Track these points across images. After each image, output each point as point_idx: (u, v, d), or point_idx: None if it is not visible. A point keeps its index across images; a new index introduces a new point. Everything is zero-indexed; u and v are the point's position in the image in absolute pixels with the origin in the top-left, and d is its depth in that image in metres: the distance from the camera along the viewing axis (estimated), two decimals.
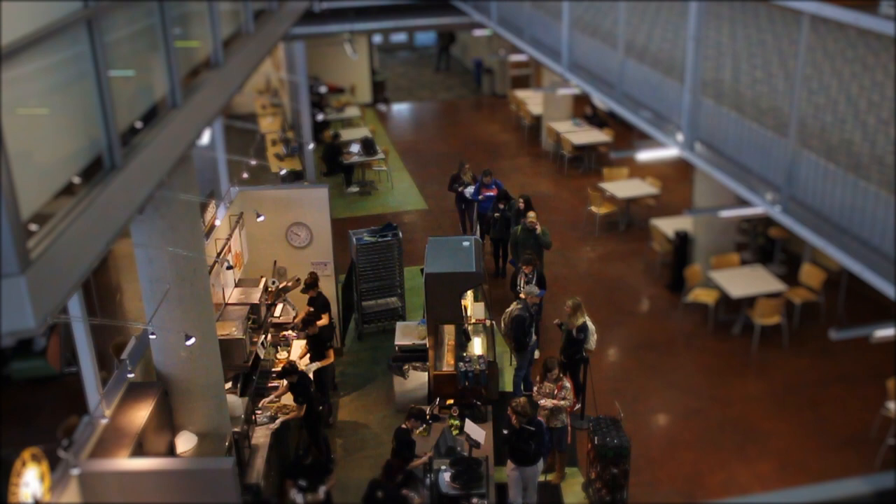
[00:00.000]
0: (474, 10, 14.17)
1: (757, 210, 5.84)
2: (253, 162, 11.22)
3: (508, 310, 10.36)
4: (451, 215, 15.72)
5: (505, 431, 8.24)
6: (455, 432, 8.85)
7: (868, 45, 4.49)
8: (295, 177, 15.58)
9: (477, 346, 10.19)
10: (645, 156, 8.92)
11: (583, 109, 19.31)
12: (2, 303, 3.15)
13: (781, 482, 9.07)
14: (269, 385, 9.59)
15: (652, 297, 13.22)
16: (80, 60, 4.02)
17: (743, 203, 6.38)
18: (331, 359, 10.19)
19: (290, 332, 10.50)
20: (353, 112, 21.49)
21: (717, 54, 6.08)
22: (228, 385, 8.51)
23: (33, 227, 3.39)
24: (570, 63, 9.23)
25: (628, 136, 17.86)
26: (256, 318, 9.58)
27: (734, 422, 10.19)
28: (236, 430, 8.16)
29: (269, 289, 10.51)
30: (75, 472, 6.07)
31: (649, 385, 10.99)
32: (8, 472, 5.16)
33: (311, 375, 9.58)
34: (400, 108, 24.68)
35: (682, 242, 12.88)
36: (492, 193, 13.75)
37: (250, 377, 9.15)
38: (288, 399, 9.32)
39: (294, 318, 10.69)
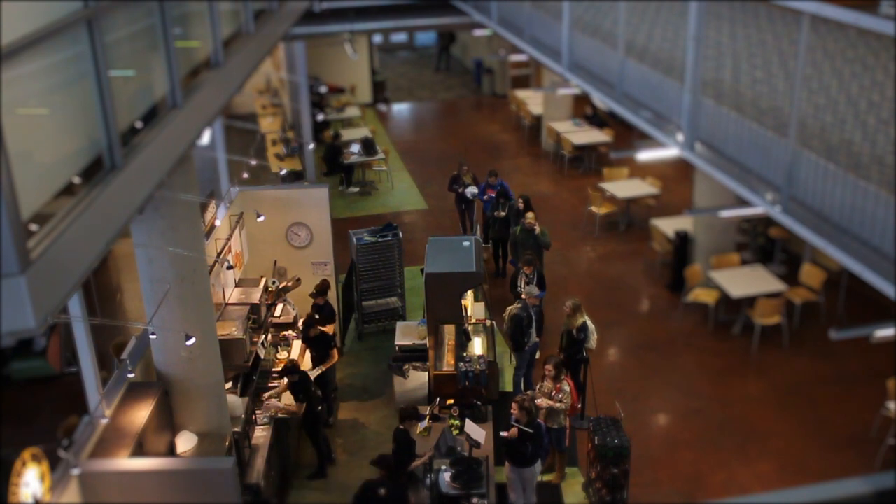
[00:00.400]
0: (474, 10, 14.17)
1: (757, 210, 5.84)
2: (253, 162, 11.23)
3: (509, 309, 10.37)
4: (451, 215, 15.71)
5: (503, 434, 8.23)
6: (455, 432, 8.85)
7: (868, 45, 4.49)
8: (295, 177, 15.58)
9: (477, 346, 10.19)
10: (645, 156, 8.91)
11: (583, 109, 19.30)
12: (2, 303, 3.15)
13: (781, 482, 9.06)
14: (270, 385, 9.60)
15: (652, 297, 13.22)
16: (80, 60, 4.02)
17: (743, 203, 6.38)
18: (334, 359, 10.19)
19: (290, 332, 10.50)
20: (353, 112, 21.50)
21: (717, 54, 6.08)
22: (228, 385, 8.51)
23: (33, 227, 3.39)
24: (570, 63, 9.23)
25: (628, 136, 17.86)
26: (256, 318, 9.58)
27: (734, 422, 10.19)
28: (236, 430, 8.16)
29: (269, 289, 10.51)
30: (75, 472, 6.07)
31: (649, 385, 10.99)
32: (8, 472, 5.17)
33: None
34: (400, 108, 24.68)
35: (683, 242, 12.88)
36: (493, 194, 13.75)
37: (250, 377, 9.14)
38: (288, 398, 9.32)
39: (294, 317, 10.70)
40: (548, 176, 18.41)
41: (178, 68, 5.37)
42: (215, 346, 7.71)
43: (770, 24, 5.38)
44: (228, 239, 9.77)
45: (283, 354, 10.26)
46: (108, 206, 4.06)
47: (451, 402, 9.30)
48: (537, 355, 10.58)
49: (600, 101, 9.04)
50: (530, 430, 8.14)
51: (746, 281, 11.85)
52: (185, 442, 7.50)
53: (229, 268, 9.28)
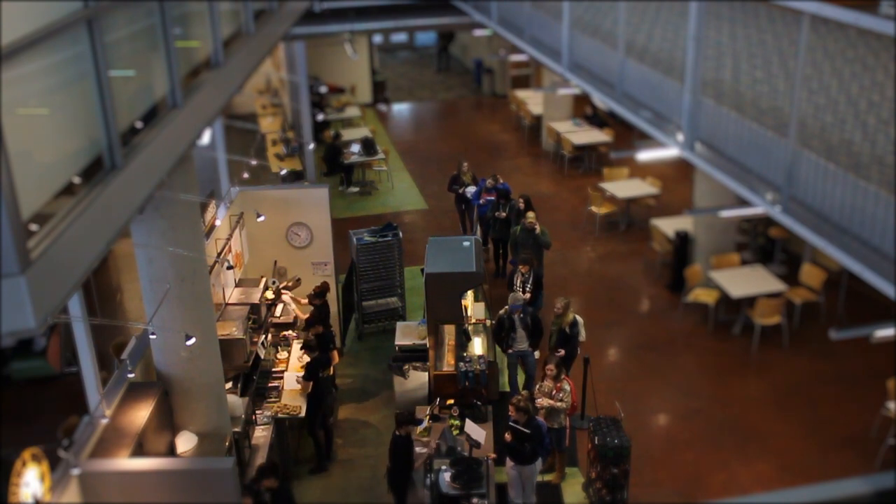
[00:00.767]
0: (474, 10, 14.17)
1: (757, 210, 5.84)
2: (253, 162, 11.22)
3: (501, 311, 10.37)
4: (451, 215, 15.72)
5: (507, 437, 8.24)
6: (455, 432, 8.85)
7: (868, 45, 4.49)
8: (295, 177, 15.58)
9: (477, 346, 10.18)
10: (645, 156, 8.91)
11: (583, 109, 19.29)
12: (2, 303, 3.15)
13: (781, 482, 9.06)
14: (270, 385, 9.60)
15: (652, 297, 13.22)
16: (80, 60, 4.02)
17: (743, 203, 6.38)
18: (335, 360, 10.18)
19: (290, 332, 10.50)
20: (353, 112, 21.50)
21: (717, 54, 6.08)
22: (228, 385, 8.51)
23: (33, 227, 3.39)
24: (570, 63, 9.24)
25: (628, 136, 17.85)
26: (257, 319, 9.58)
27: (734, 422, 10.19)
28: (236, 430, 8.16)
29: (269, 288, 10.51)
30: (75, 472, 6.06)
31: (649, 385, 10.99)
32: (8, 472, 5.17)
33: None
34: (400, 108, 24.68)
35: (683, 242, 12.88)
36: (491, 198, 13.73)
37: (250, 377, 9.15)
38: (288, 399, 9.33)
39: (294, 317, 10.70)
40: (548, 176, 18.41)
41: (178, 68, 5.37)
42: (215, 346, 7.71)
43: (770, 24, 5.39)
44: (228, 239, 9.77)
45: (283, 354, 10.26)
46: (108, 206, 4.06)
47: (451, 402, 9.30)
48: (537, 354, 10.53)
49: (600, 101, 9.04)
50: (527, 431, 8.14)
51: (746, 281, 11.85)
52: (185, 442, 7.50)
53: (229, 268, 9.28)
